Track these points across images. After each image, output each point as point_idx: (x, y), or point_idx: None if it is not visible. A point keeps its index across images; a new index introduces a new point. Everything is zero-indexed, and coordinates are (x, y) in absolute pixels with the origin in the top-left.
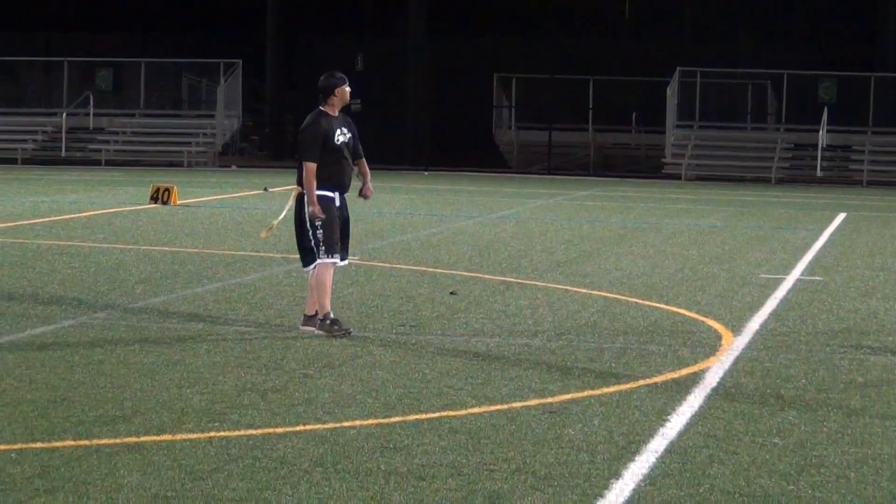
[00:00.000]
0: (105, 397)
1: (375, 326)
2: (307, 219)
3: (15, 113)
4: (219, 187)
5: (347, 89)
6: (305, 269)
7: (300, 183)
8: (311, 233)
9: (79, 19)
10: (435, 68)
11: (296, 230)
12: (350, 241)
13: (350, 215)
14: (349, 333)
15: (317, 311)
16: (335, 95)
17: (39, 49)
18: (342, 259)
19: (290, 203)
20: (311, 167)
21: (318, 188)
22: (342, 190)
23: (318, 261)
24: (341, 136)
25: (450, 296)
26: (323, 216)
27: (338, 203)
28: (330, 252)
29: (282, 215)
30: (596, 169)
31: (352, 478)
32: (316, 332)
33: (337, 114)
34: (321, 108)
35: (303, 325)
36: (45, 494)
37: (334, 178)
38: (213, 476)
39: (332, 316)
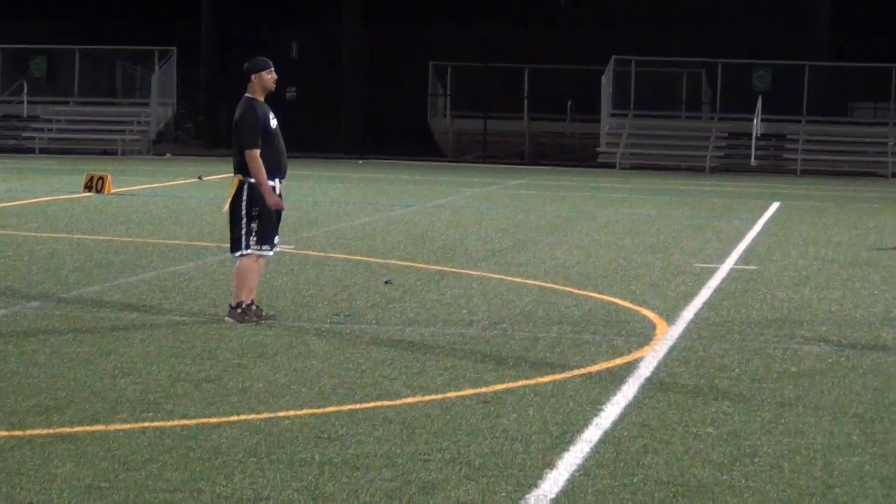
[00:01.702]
0: (38, 387)
1: (310, 316)
2: (243, 208)
3: None
4: (153, 176)
5: (268, 75)
6: (234, 255)
7: (239, 171)
8: (244, 221)
9: (12, 6)
10: (369, 56)
11: (230, 217)
12: (282, 227)
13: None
14: (258, 323)
15: (253, 300)
16: (253, 80)
17: None
18: (273, 247)
19: (233, 190)
20: (255, 154)
21: None
22: (282, 175)
23: (249, 250)
24: (273, 119)
25: (384, 285)
26: (284, 206)
27: (278, 190)
28: (262, 243)
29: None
30: (531, 157)
31: (286, 468)
32: (226, 319)
33: (262, 99)
34: (248, 94)
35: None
36: None
37: (273, 163)
38: (146, 466)
39: (244, 305)
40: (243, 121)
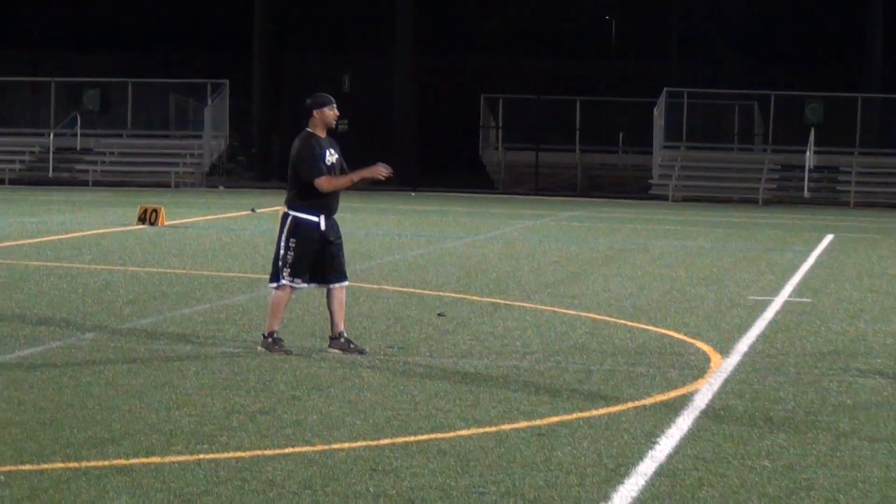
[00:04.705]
0: (94, 419)
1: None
2: (283, 239)
3: (2, 133)
4: (206, 208)
5: (329, 111)
6: (270, 286)
7: (288, 203)
8: (282, 253)
9: (66, 39)
10: (421, 88)
11: (276, 248)
12: (343, 262)
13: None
14: (290, 352)
15: (340, 333)
16: (313, 116)
17: (26, 69)
18: (336, 282)
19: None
20: (323, 180)
21: (303, 210)
22: (328, 212)
23: (282, 281)
24: (330, 157)
25: (438, 317)
26: (385, 172)
27: (323, 227)
28: (293, 275)
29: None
30: (583, 190)
31: (341, 500)
32: (259, 348)
33: (324, 135)
34: (308, 129)
35: (329, 346)
36: None
37: (320, 199)
38: (201, 498)
39: (276, 335)
40: (301, 154)
